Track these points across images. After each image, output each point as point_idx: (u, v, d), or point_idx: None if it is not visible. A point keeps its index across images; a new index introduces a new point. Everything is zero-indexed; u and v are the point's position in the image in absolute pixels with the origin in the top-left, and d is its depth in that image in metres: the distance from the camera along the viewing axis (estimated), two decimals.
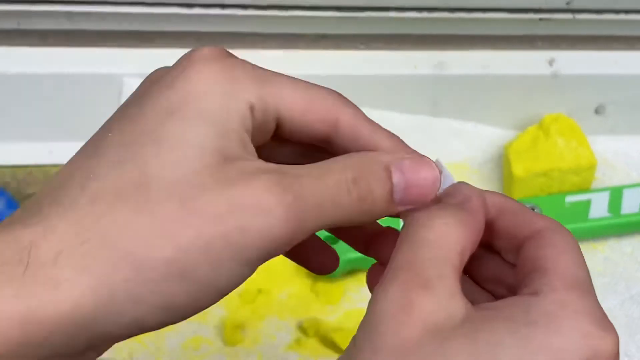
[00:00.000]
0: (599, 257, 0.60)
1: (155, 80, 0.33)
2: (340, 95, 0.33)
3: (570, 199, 0.61)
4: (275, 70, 0.32)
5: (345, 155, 0.31)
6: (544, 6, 0.64)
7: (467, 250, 0.30)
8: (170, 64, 0.66)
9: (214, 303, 0.29)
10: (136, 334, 0.28)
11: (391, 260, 0.30)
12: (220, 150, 0.28)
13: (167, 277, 0.27)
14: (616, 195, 0.61)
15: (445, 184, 0.33)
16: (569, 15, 0.65)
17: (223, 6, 0.63)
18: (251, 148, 0.30)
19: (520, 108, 0.66)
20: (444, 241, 0.30)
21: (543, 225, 0.31)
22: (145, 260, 0.26)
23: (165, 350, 0.53)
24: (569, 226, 0.58)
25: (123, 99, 0.62)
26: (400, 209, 0.32)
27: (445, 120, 0.66)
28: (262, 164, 0.29)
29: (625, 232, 0.61)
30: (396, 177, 0.32)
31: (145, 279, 0.27)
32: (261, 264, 0.28)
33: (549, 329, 0.27)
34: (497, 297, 0.33)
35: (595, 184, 0.64)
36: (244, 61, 0.32)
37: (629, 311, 0.56)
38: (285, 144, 0.33)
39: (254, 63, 0.32)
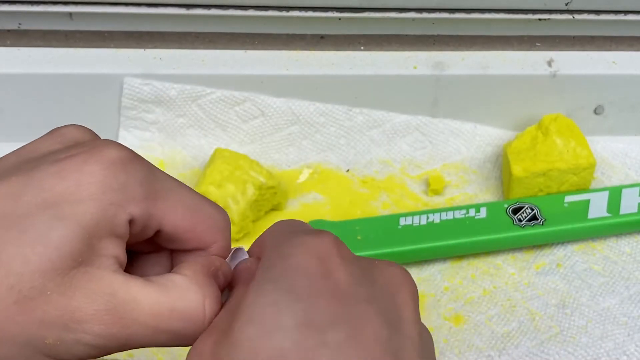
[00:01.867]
0: (598, 256, 0.60)
1: (50, 152, 0.33)
2: (225, 217, 0.35)
3: (569, 198, 0.61)
4: (168, 183, 0.34)
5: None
6: (543, 7, 0.65)
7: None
8: (170, 64, 0.65)
9: None
10: None
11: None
12: (75, 258, 0.30)
13: None
14: (615, 195, 0.62)
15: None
16: (568, 16, 0.65)
17: (223, 7, 0.63)
18: (112, 260, 0.31)
19: (519, 108, 0.66)
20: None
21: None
22: None
23: (166, 350, 0.53)
24: (567, 226, 0.59)
25: (123, 99, 0.62)
26: None
27: (445, 121, 0.66)
28: (107, 279, 0.31)
29: (624, 231, 0.61)
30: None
31: None
32: None
33: None
34: None
35: (594, 184, 0.64)
36: (142, 165, 0.33)
37: (628, 310, 0.56)
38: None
39: (149, 168, 0.33)
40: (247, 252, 0.36)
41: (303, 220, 0.36)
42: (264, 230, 0.35)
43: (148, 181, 0.32)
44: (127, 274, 0.31)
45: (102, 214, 0.30)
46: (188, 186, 0.34)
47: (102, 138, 0.34)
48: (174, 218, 0.33)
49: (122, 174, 0.31)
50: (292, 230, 0.34)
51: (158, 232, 0.33)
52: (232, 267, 0.35)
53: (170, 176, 0.34)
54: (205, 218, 0.34)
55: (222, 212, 0.35)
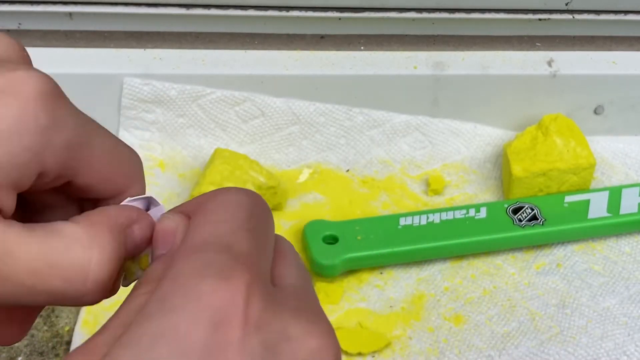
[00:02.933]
0: (598, 256, 0.60)
1: None
2: (139, 160, 0.31)
3: (569, 198, 0.61)
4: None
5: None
6: (543, 7, 0.65)
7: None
8: (170, 64, 0.66)
9: None
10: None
11: None
12: None
13: None
14: (615, 195, 0.62)
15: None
16: (568, 16, 0.65)
17: (223, 7, 0.63)
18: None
19: (519, 108, 0.66)
20: None
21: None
22: None
23: None
24: (567, 226, 0.59)
25: (123, 99, 0.62)
26: None
27: (445, 121, 0.66)
28: None
29: (624, 231, 0.61)
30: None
31: None
32: None
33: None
34: None
35: (594, 184, 0.64)
36: (67, 104, 0.27)
37: (628, 310, 0.56)
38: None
39: (74, 108, 0.28)
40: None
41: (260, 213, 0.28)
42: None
43: (72, 125, 0.27)
44: (4, 220, 0.25)
45: (9, 160, 0.25)
46: (108, 132, 0.29)
47: (28, 63, 0.29)
48: (91, 168, 0.28)
49: (42, 113, 0.25)
50: (208, 248, 0.25)
51: (68, 182, 0.28)
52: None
53: (93, 120, 0.28)
54: (123, 163, 0.29)
55: (135, 153, 0.30)
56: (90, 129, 0.28)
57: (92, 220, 0.27)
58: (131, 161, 0.30)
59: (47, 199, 0.30)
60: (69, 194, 0.29)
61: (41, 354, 0.54)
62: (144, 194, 0.30)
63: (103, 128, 0.29)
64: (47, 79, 0.26)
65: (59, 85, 0.28)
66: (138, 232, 0.28)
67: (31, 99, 0.25)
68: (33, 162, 0.25)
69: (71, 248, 0.26)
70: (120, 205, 0.29)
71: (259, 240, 0.27)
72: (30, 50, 0.68)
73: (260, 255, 0.26)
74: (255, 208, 0.28)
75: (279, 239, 0.30)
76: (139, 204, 0.30)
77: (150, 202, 0.30)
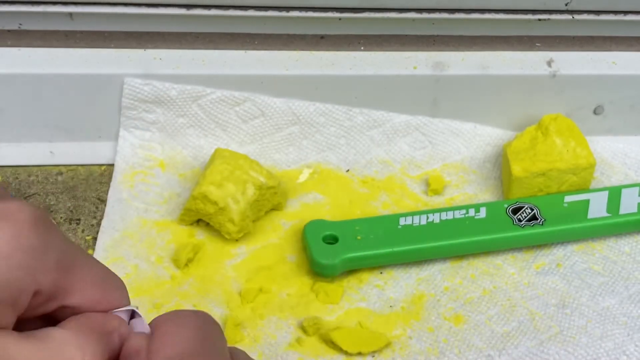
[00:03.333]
0: (598, 256, 0.60)
1: None
2: (125, 287, 0.33)
3: (568, 198, 0.61)
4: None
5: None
6: (543, 7, 0.65)
7: None
8: (171, 64, 0.65)
9: None
10: None
11: None
12: None
13: None
14: (615, 195, 0.62)
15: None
16: (567, 16, 0.65)
17: (223, 7, 0.63)
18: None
19: (519, 108, 0.66)
20: None
21: None
22: None
23: None
24: (567, 226, 0.60)
25: (123, 99, 0.62)
26: None
27: (445, 121, 0.66)
28: None
29: (624, 231, 0.61)
30: None
31: None
32: None
33: None
34: None
35: (593, 184, 0.64)
36: (55, 229, 0.29)
37: (628, 310, 0.56)
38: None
39: (62, 235, 0.30)
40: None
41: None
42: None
43: (61, 249, 0.29)
44: (3, 330, 0.27)
45: (7, 278, 0.27)
46: (94, 257, 0.31)
47: (11, 196, 0.31)
48: (82, 287, 0.30)
49: (34, 237, 0.28)
50: None
51: (60, 308, 0.30)
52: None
53: (79, 246, 0.31)
54: (112, 291, 0.31)
55: (120, 279, 0.32)
56: (78, 252, 0.30)
57: (78, 324, 0.29)
58: (118, 283, 0.32)
59: (38, 325, 0.30)
60: (58, 320, 0.31)
61: None
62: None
63: (89, 254, 0.31)
64: (33, 207, 0.29)
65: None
66: (118, 340, 0.31)
67: (24, 223, 0.27)
68: (28, 280, 0.27)
69: (64, 350, 0.28)
70: (106, 314, 0.31)
71: (214, 355, 0.31)
72: (31, 51, 0.69)
73: None
74: (207, 328, 0.32)
75: (234, 351, 0.34)
76: (123, 315, 0.32)
77: (134, 313, 0.32)
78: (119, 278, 0.32)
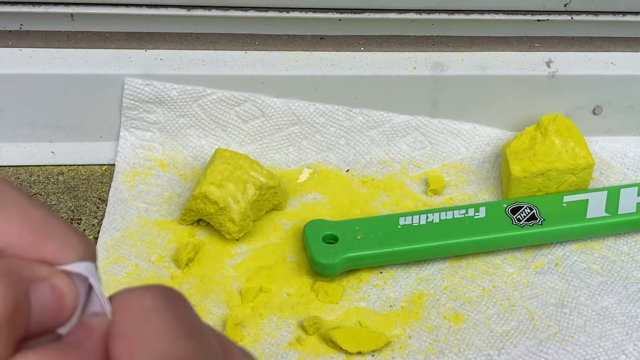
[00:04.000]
0: (597, 256, 0.60)
1: None
2: (79, 243, 0.26)
3: (567, 198, 0.61)
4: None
5: None
6: (542, 8, 0.65)
7: None
8: (171, 65, 0.66)
9: None
10: None
11: None
12: None
13: None
14: (613, 195, 0.62)
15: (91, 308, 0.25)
16: (566, 17, 0.66)
17: (223, 8, 0.63)
18: None
19: (518, 109, 0.66)
20: None
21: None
22: None
23: None
24: (566, 226, 0.60)
25: (124, 100, 0.62)
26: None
27: (444, 121, 0.66)
28: None
29: (623, 231, 0.61)
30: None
31: None
32: None
33: None
34: None
35: (592, 184, 0.64)
36: None
37: (626, 310, 0.57)
38: None
39: None
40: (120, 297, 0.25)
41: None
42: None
43: None
44: None
45: None
46: (38, 202, 0.26)
47: None
48: (2, 234, 0.24)
49: None
50: None
51: None
52: (81, 308, 0.25)
53: (21, 189, 0.26)
54: (50, 240, 0.25)
55: (80, 237, 0.26)
56: (10, 190, 0.25)
57: None
58: (68, 234, 0.25)
59: None
60: None
61: None
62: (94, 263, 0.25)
63: (32, 198, 0.26)
64: None
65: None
66: (50, 293, 0.24)
67: None
68: None
69: None
70: (34, 261, 0.24)
71: (200, 340, 0.25)
72: (32, 51, 0.69)
73: (209, 355, 0.25)
74: (175, 304, 0.25)
75: (229, 344, 0.27)
76: (80, 282, 0.25)
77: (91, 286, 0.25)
78: (78, 233, 0.26)
